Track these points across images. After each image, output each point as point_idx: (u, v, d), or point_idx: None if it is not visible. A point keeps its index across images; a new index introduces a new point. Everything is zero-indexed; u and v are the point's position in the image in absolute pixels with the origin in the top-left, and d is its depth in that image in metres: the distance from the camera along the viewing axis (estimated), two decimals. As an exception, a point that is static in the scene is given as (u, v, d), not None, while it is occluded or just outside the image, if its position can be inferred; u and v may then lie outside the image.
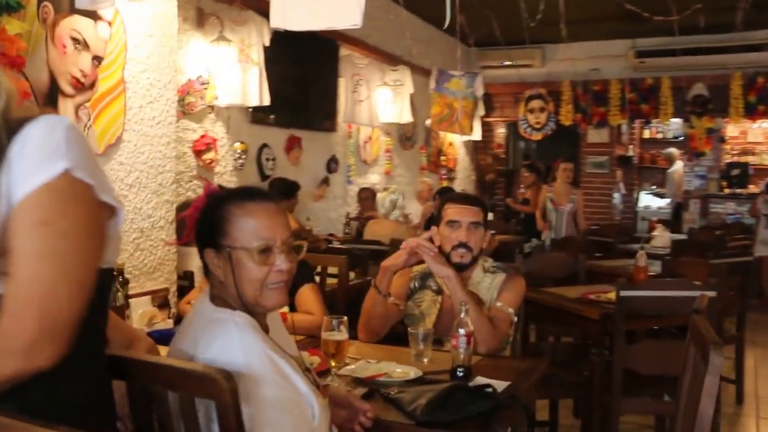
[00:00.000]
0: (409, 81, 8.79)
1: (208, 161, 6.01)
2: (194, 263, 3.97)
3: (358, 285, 4.60)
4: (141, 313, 2.94)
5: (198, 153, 5.91)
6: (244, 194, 1.93)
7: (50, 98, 3.09)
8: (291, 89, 7.10)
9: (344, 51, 7.95)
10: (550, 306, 4.34)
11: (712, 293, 3.52)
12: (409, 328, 2.86)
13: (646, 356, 3.66)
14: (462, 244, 3.12)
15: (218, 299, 1.91)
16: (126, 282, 3.24)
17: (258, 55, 6.20)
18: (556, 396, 4.42)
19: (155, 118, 3.66)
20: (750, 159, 12.05)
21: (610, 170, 11.22)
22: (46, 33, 3.09)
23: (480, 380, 2.43)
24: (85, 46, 3.24)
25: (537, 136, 10.92)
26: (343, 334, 2.49)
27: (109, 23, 3.36)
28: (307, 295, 3.36)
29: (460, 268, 3.15)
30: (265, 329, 1.95)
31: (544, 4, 8.49)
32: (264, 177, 6.74)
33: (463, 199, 3.24)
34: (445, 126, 9.17)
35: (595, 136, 11.09)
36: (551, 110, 10.82)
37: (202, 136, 5.96)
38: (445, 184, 10.49)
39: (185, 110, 5.72)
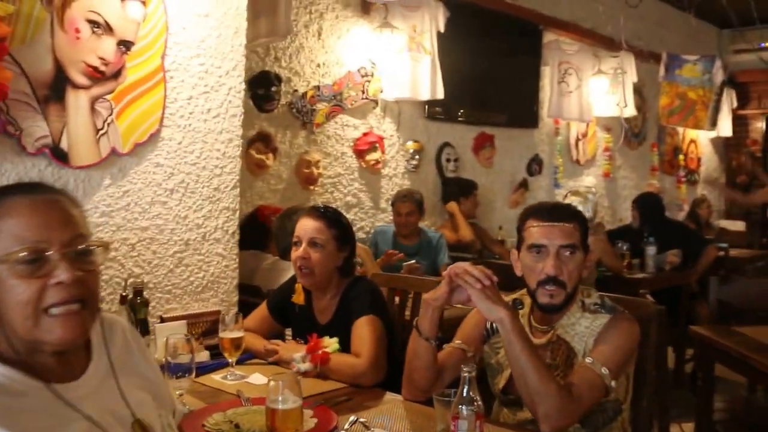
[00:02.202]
0: (632, 68, 7.63)
1: (373, 162, 5.40)
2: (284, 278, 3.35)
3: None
4: (164, 342, 2.34)
5: (360, 153, 5.33)
6: (3, 191, 1.38)
7: (55, 90, 2.60)
8: (480, 81, 6.30)
9: (549, 36, 7.02)
10: (733, 355, 3.21)
11: None
12: (434, 394, 2.03)
13: None
14: (550, 279, 2.21)
15: None
16: (145, 303, 2.69)
17: (431, 43, 5.53)
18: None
19: (211, 111, 3.04)
20: None
21: None
22: (52, 16, 2.60)
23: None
24: (108, 29, 2.70)
25: (802, 130, 9.28)
26: (289, 401, 1.73)
27: (143, 2, 2.81)
28: (361, 330, 2.58)
29: (550, 310, 2.26)
30: (65, 378, 1.35)
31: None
32: (445, 180, 6.04)
33: (551, 213, 2.24)
34: (677, 119, 7.93)
35: None
36: (821, 98, 9.14)
37: (366, 134, 5.38)
38: (683, 187, 9.15)
39: (343, 105, 5.18)
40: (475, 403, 1.71)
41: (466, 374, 1.74)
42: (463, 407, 1.70)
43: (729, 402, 4.18)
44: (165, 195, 2.97)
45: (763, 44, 9.44)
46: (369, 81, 5.31)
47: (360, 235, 5.18)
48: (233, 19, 3.19)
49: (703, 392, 3.51)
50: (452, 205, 5.74)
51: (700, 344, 3.56)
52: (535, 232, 2.23)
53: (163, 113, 2.92)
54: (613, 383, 2.10)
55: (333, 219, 2.74)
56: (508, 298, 2.29)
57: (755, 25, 9.22)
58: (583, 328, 2.21)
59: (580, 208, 5.51)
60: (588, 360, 2.11)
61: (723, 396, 4.26)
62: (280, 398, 1.73)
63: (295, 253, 2.71)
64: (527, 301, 2.32)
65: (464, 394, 1.72)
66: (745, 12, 8.60)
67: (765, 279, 4.59)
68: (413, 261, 4.66)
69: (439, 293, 2.15)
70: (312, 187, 5.01)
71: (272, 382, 1.75)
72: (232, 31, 3.18)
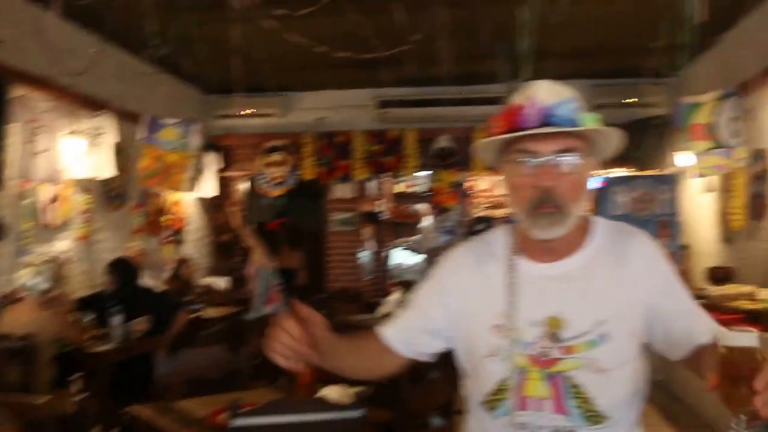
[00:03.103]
0: (112, 129, 7.50)
1: None
2: None
3: None
4: None
5: None
6: None
7: None
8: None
9: (17, 91, 6.53)
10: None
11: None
12: None
13: None
14: None
15: None
16: None
17: None
18: None
19: None
20: (498, 212, 11.43)
21: (357, 227, 10.41)
22: None
23: None
24: None
25: (277, 192, 9.96)
26: None
27: None
28: None
29: None
30: None
31: (284, 50, 7.62)
32: None
33: None
34: (156, 181, 7.95)
35: (340, 191, 10.30)
36: (293, 163, 9.93)
37: None
38: (169, 248, 9.19)
39: None
40: None
41: None
42: None
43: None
44: None
45: (244, 111, 10.04)
46: None
47: None
48: None
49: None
50: None
51: (135, 424, 3.45)
52: None
53: None
54: None
55: None
56: None
57: (238, 92, 9.77)
58: None
59: (33, 279, 5.21)
60: None
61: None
62: None
63: None
64: None
65: None
66: (228, 79, 9.04)
67: (211, 348, 4.66)
68: None
69: None
70: None
71: None
72: None
